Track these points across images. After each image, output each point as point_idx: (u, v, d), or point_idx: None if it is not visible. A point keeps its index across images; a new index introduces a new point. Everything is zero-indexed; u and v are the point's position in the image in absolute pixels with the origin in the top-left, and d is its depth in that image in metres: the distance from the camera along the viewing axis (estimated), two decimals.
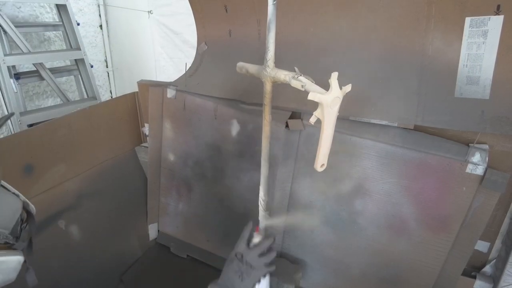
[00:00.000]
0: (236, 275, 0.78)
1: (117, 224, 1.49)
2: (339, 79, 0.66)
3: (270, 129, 0.85)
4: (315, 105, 0.69)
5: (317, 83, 1.08)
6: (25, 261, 0.61)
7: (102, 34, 2.79)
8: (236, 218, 1.39)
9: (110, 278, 1.44)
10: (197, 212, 1.50)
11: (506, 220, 1.06)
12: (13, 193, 0.62)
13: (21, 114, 1.86)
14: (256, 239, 0.86)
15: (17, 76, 1.98)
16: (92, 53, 2.72)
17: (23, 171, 1.13)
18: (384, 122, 1.07)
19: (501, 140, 0.97)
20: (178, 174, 1.50)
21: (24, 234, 0.62)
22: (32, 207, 0.65)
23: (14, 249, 0.59)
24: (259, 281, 0.81)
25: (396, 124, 1.06)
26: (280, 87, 1.21)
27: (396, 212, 1.10)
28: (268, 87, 0.78)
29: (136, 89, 1.55)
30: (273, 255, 0.83)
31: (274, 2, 0.69)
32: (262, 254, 0.82)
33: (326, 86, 0.69)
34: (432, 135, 1.04)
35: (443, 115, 0.99)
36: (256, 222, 0.88)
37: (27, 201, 0.64)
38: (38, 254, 1.19)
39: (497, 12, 0.85)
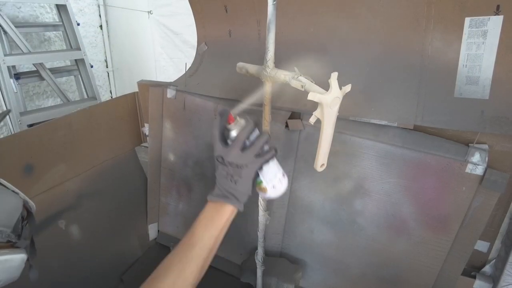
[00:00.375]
0: (227, 180, 0.67)
1: (117, 224, 1.49)
2: (339, 79, 0.66)
3: (270, 129, 0.86)
4: (315, 105, 0.69)
5: (317, 83, 1.08)
6: (27, 259, 0.61)
7: (102, 34, 2.79)
8: (235, 217, 1.39)
9: (110, 278, 1.44)
10: (197, 212, 1.49)
11: (506, 220, 1.06)
12: (13, 191, 0.62)
13: (21, 114, 1.86)
14: (234, 132, 0.70)
15: (17, 76, 1.98)
16: (92, 53, 2.72)
17: (23, 171, 1.13)
18: (383, 122, 1.07)
19: (500, 140, 0.97)
20: (178, 174, 1.50)
21: (25, 232, 0.62)
22: (32, 205, 0.65)
23: (17, 247, 0.59)
24: (260, 169, 0.69)
25: (395, 124, 1.06)
26: (280, 87, 1.21)
27: (396, 212, 1.10)
28: (268, 87, 0.78)
29: (136, 89, 1.55)
30: (260, 141, 0.68)
31: (274, 2, 0.69)
32: (244, 148, 0.67)
33: (326, 86, 0.69)
34: (431, 135, 1.04)
35: (442, 115, 0.99)
36: (225, 113, 0.70)
37: (27, 198, 0.64)
38: (38, 254, 1.20)
39: (497, 12, 0.85)
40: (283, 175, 0.75)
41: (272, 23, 0.71)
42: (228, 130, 0.70)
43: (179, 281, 0.61)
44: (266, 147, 0.71)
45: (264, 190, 0.73)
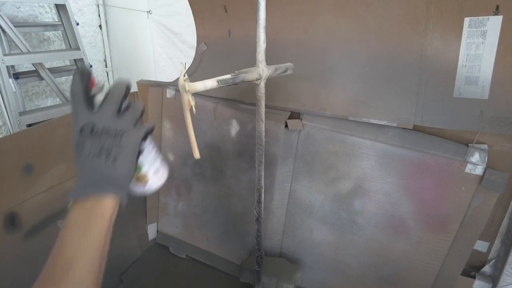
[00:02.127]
0: (101, 158, 0.45)
1: (116, 224, 1.48)
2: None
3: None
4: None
5: (316, 83, 1.09)
6: None
7: (102, 34, 2.78)
8: (235, 218, 1.39)
9: (109, 278, 1.44)
10: (197, 212, 1.50)
11: (505, 220, 1.06)
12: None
13: (20, 114, 1.86)
14: (100, 96, 0.51)
15: (16, 76, 1.97)
16: (92, 53, 2.71)
17: (22, 171, 1.13)
18: (383, 122, 1.07)
19: (500, 140, 0.97)
20: (178, 174, 1.50)
21: None
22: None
23: None
24: (141, 149, 0.51)
25: (395, 124, 1.06)
26: (279, 87, 1.22)
27: (395, 212, 1.10)
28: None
29: (135, 89, 1.54)
30: (136, 106, 0.51)
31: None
32: (119, 110, 0.49)
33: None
34: (431, 135, 1.04)
35: (442, 115, 0.99)
36: (86, 74, 0.51)
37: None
38: (37, 254, 1.19)
39: (496, 13, 0.85)
40: (159, 155, 0.60)
41: (262, 19, 0.72)
42: (92, 97, 0.50)
43: None
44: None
45: (143, 179, 0.56)
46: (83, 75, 0.49)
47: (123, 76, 2.86)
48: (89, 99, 0.49)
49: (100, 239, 0.47)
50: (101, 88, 0.52)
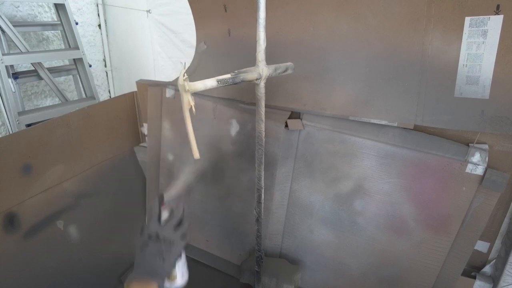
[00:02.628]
0: (156, 257, 0.71)
1: (116, 224, 1.48)
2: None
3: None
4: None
5: (316, 82, 1.09)
6: None
7: (101, 34, 2.78)
8: (235, 218, 1.39)
9: (109, 278, 1.44)
10: (196, 212, 1.49)
11: (506, 220, 1.06)
12: None
13: (19, 114, 1.85)
14: (165, 214, 0.79)
15: (15, 75, 1.97)
16: (91, 52, 2.71)
17: (21, 171, 1.13)
18: (383, 122, 1.07)
19: (501, 140, 0.97)
20: (177, 174, 1.49)
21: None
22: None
23: None
24: (180, 256, 0.76)
25: (396, 124, 1.06)
26: (279, 87, 1.21)
27: (396, 212, 1.09)
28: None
29: (134, 88, 1.54)
30: (185, 225, 0.79)
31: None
32: (176, 227, 0.76)
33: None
34: (432, 135, 1.03)
35: (443, 114, 0.98)
36: (161, 198, 0.81)
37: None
38: (37, 254, 1.19)
39: (497, 12, 0.85)
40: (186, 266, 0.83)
41: (262, 19, 0.71)
42: (160, 212, 0.78)
43: None
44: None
45: (173, 278, 0.77)
46: (160, 199, 0.79)
47: (122, 76, 2.85)
48: (160, 215, 0.77)
49: None
50: (167, 207, 0.79)
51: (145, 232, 0.74)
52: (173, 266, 0.74)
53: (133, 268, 0.71)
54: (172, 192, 0.89)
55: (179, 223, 0.78)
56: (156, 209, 0.78)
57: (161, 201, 0.80)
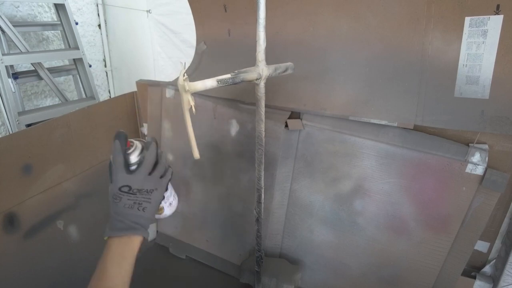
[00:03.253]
0: (133, 209, 0.60)
1: None
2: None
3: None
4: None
5: (316, 82, 1.08)
6: None
7: (101, 34, 2.78)
8: (235, 218, 1.39)
9: None
10: (196, 212, 1.49)
11: (506, 220, 1.06)
12: None
13: (19, 114, 1.85)
14: (134, 156, 0.63)
15: (15, 75, 1.96)
16: (91, 52, 2.71)
17: (21, 171, 1.13)
18: (383, 122, 1.07)
19: (501, 140, 0.97)
20: (177, 174, 1.49)
21: None
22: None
23: None
24: (163, 197, 0.67)
25: (396, 124, 1.06)
26: (279, 87, 1.21)
27: (396, 212, 1.09)
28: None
29: (134, 88, 1.54)
30: (163, 162, 0.65)
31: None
32: (151, 171, 0.63)
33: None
34: (432, 135, 1.03)
35: (442, 114, 0.98)
36: (123, 137, 0.62)
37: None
38: (37, 254, 1.19)
39: (497, 12, 0.85)
40: (173, 189, 0.74)
41: (262, 19, 0.72)
42: (127, 155, 0.63)
43: None
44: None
45: (160, 210, 0.70)
46: (121, 140, 0.62)
47: (122, 76, 2.85)
48: (127, 162, 0.62)
49: (130, 268, 0.61)
50: (135, 148, 0.64)
51: (114, 185, 0.61)
52: (157, 209, 0.65)
53: (109, 219, 0.61)
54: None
55: (155, 165, 0.64)
56: (120, 155, 0.61)
57: (124, 142, 0.62)
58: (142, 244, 0.62)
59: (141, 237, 0.61)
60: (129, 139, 0.64)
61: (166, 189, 0.66)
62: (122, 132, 0.63)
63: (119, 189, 0.60)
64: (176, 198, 0.75)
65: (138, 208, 0.60)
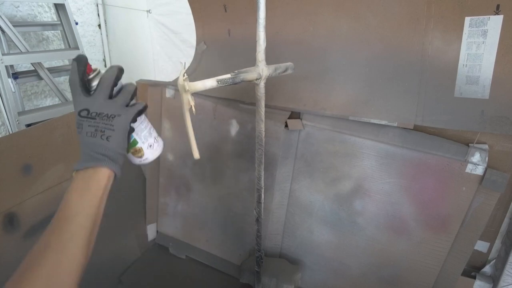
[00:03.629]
0: (96, 137, 0.55)
1: (116, 225, 1.48)
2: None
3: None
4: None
5: (316, 82, 1.08)
6: None
7: (101, 34, 2.78)
8: (235, 218, 1.39)
9: (109, 279, 1.43)
10: (196, 212, 1.49)
11: (506, 220, 1.06)
12: None
13: (19, 114, 1.85)
14: (95, 81, 0.59)
15: (15, 75, 1.96)
16: (91, 52, 2.71)
17: (21, 171, 1.13)
18: (383, 122, 1.07)
19: (501, 140, 0.97)
20: (177, 174, 1.49)
21: None
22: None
23: None
24: (134, 121, 0.59)
25: (395, 124, 1.06)
26: (279, 87, 1.21)
27: (396, 212, 1.09)
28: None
29: None
30: (128, 88, 0.60)
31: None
32: (111, 95, 0.58)
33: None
34: (432, 135, 1.03)
35: (442, 114, 0.98)
36: (83, 60, 0.58)
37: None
38: None
39: (497, 12, 0.85)
40: (158, 135, 0.70)
41: (262, 19, 0.72)
42: (89, 81, 0.59)
43: (63, 263, 0.50)
44: (134, 100, 0.62)
45: (139, 151, 0.65)
46: (80, 62, 0.56)
47: (123, 76, 2.85)
48: (86, 85, 0.57)
49: (95, 201, 0.56)
50: (97, 73, 0.59)
51: (75, 109, 0.57)
52: (127, 140, 0.59)
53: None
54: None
55: (119, 88, 0.60)
56: (76, 77, 0.57)
57: (84, 65, 0.58)
58: (113, 181, 0.58)
59: (108, 170, 0.56)
60: (93, 67, 0.60)
61: (135, 120, 0.59)
62: (82, 55, 0.58)
63: (79, 114, 0.56)
64: (161, 142, 0.70)
65: (101, 137, 0.55)
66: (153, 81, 1.50)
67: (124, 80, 0.63)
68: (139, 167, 1.62)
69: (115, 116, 0.56)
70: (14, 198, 1.11)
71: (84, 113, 0.56)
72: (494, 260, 1.11)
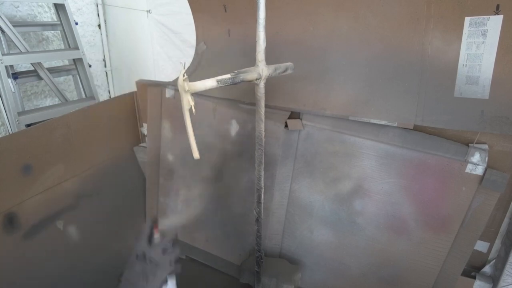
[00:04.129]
0: (140, 277, 0.72)
1: (116, 224, 1.48)
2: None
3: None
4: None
5: (316, 82, 1.08)
6: None
7: (101, 34, 2.77)
8: (235, 218, 1.39)
9: (109, 279, 1.43)
10: (196, 212, 1.49)
11: (506, 220, 1.06)
12: None
13: (19, 114, 1.85)
14: (156, 237, 0.82)
15: (15, 75, 1.96)
16: (91, 52, 2.70)
17: (21, 171, 1.13)
18: (383, 122, 1.07)
19: (500, 140, 0.97)
20: (177, 174, 1.49)
21: None
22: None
23: None
24: (165, 282, 0.76)
25: (395, 124, 1.06)
26: (279, 87, 1.21)
27: (396, 212, 1.09)
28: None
29: (134, 88, 1.54)
30: (176, 252, 0.79)
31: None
32: (165, 251, 0.77)
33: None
34: (431, 135, 1.03)
35: (442, 114, 0.98)
36: (154, 220, 0.84)
37: None
38: (36, 254, 1.19)
39: (497, 12, 0.85)
40: None
41: (262, 19, 0.72)
42: (152, 233, 0.81)
43: None
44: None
45: None
46: (153, 221, 0.79)
47: (122, 76, 2.85)
48: (150, 237, 0.79)
49: None
50: (159, 234, 0.80)
51: (134, 252, 0.75)
52: None
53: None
54: (168, 221, 0.91)
55: (170, 249, 0.78)
56: (147, 230, 0.79)
57: (154, 223, 0.81)
58: None
59: None
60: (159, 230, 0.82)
61: (167, 280, 0.76)
62: (155, 217, 0.84)
63: (136, 255, 0.76)
64: None
65: (143, 278, 0.71)
66: (153, 81, 1.50)
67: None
68: (139, 167, 1.62)
69: (159, 266, 0.74)
70: (14, 198, 1.11)
71: (141, 255, 0.76)
72: (494, 260, 1.11)
